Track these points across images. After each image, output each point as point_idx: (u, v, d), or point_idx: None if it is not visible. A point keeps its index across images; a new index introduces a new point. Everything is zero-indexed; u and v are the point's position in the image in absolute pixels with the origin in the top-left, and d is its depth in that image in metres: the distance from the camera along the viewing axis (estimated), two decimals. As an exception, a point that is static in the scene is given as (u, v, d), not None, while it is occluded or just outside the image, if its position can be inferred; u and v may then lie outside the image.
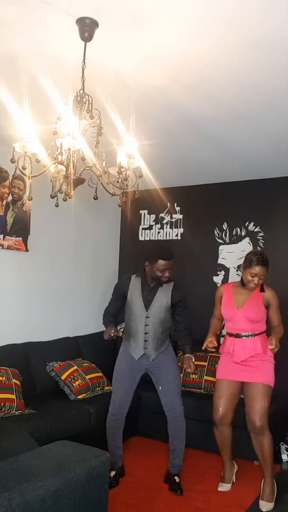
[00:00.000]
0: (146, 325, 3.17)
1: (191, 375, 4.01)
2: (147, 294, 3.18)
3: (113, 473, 3.19)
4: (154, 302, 3.17)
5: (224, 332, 3.34)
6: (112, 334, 3.08)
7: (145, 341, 3.18)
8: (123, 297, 3.25)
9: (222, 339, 3.35)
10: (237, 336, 3.10)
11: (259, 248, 4.43)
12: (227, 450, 3.21)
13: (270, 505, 2.92)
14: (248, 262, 3.04)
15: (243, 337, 3.08)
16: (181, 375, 4.02)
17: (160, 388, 3.22)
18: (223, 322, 3.31)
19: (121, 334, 3.25)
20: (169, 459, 3.26)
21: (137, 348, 3.21)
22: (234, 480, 3.25)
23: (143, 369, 3.26)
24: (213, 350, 3.14)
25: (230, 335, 3.15)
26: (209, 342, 3.09)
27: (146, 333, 3.18)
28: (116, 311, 3.32)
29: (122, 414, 3.24)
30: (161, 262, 3.04)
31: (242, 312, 3.08)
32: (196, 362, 4.03)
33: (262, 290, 3.11)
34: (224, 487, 3.18)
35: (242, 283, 3.13)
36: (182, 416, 3.20)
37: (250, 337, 3.06)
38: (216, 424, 3.16)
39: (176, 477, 3.18)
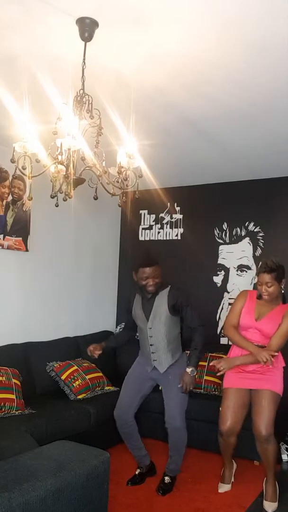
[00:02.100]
0: (150, 337, 3.13)
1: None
2: (146, 306, 3.15)
3: (138, 470, 3.26)
4: (152, 312, 3.11)
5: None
6: (90, 353, 3.28)
7: (152, 353, 3.14)
8: (130, 312, 3.29)
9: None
10: None
11: (259, 248, 4.44)
12: (228, 454, 3.19)
13: (275, 505, 2.91)
14: (257, 271, 2.99)
15: None
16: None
17: (166, 401, 3.15)
18: None
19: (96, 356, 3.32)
20: (167, 461, 3.25)
21: (147, 361, 3.19)
22: (233, 480, 3.24)
23: (153, 379, 3.21)
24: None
25: None
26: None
27: (151, 345, 3.13)
28: (130, 325, 3.38)
29: (126, 420, 3.17)
30: (141, 270, 3.00)
31: (259, 325, 2.98)
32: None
33: (284, 301, 3.00)
34: (224, 488, 3.17)
35: (259, 296, 3.00)
36: (182, 430, 3.10)
37: (260, 347, 2.94)
38: (223, 435, 3.06)
39: (166, 477, 3.17)
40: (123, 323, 3.44)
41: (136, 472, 3.25)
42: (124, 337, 3.50)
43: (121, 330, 3.43)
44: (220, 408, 3.09)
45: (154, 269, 3.01)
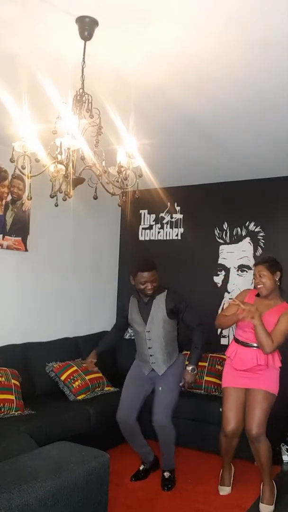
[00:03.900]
0: (148, 340, 3.17)
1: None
2: (143, 310, 3.19)
3: (142, 466, 3.32)
4: (150, 316, 3.16)
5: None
6: (87, 364, 3.44)
7: (151, 355, 3.17)
8: (126, 317, 3.33)
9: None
10: (243, 344, 3.00)
11: (259, 248, 4.43)
12: (229, 456, 3.17)
13: (270, 508, 2.89)
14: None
15: (249, 347, 2.97)
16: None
17: (155, 399, 3.19)
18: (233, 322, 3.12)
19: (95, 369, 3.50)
20: (162, 458, 3.31)
21: (145, 364, 3.23)
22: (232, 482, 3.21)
23: (151, 379, 3.23)
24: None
25: (237, 341, 3.06)
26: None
27: (150, 348, 3.17)
28: (121, 325, 3.50)
29: (129, 423, 3.18)
30: (140, 274, 3.07)
31: None
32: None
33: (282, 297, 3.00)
34: (225, 490, 3.14)
35: (258, 293, 3.03)
36: (168, 427, 3.12)
37: (255, 348, 2.95)
38: (227, 436, 3.05)
39: (165, 473, 3.23)
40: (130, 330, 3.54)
41: (140, 468, 3.30)
42: (113, 339, 3.59)
43: (111, 330, 3.58)
44: (221, 409, 3.09)
45: (152, 273, 3.08)
